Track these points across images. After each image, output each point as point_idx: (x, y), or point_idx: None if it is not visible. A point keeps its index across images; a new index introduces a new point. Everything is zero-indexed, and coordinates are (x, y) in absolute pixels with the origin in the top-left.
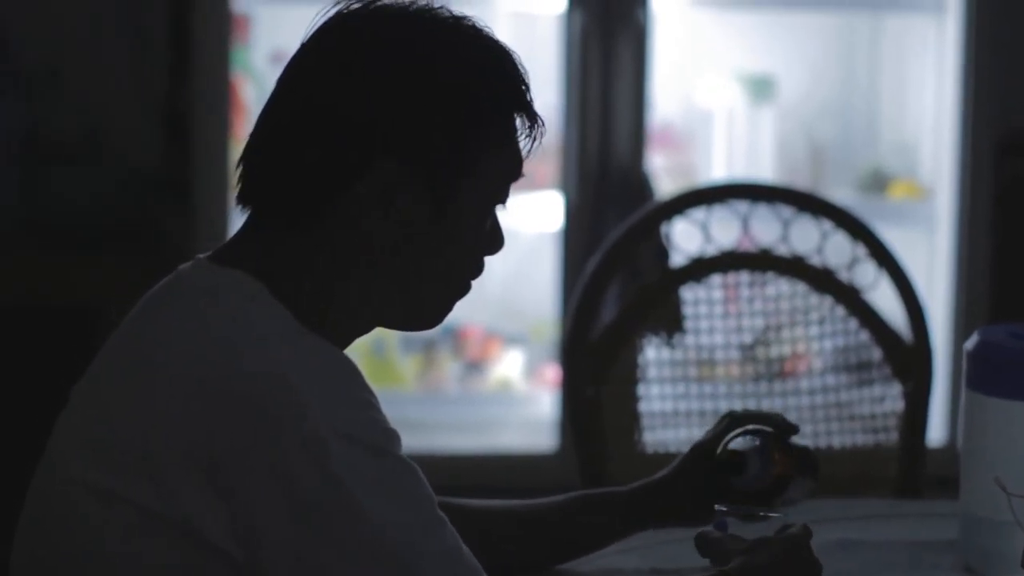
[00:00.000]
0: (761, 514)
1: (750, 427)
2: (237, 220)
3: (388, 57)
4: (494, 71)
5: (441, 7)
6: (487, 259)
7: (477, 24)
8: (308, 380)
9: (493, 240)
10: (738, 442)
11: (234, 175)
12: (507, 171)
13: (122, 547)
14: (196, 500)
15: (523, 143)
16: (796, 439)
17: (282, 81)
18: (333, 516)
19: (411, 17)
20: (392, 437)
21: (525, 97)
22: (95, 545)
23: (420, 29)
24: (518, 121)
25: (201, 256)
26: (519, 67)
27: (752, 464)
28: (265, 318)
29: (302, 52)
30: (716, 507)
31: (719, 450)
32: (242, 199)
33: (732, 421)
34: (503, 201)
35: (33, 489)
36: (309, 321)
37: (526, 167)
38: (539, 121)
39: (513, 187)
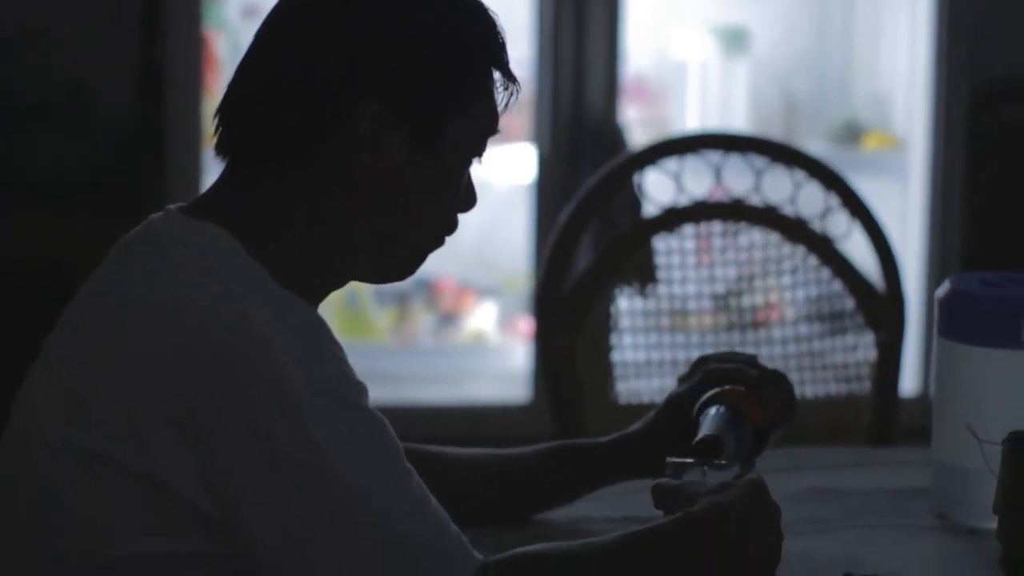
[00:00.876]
0: (716, 463)
1: (719, 391)
2: (212, 173)
3: (366, 2)
4: (472, 22)
5: None
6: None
7: None
8: (281, 335)
9: (466, 197)
10: (710, 419)
11: (210, 128)
12: (484, 123)
13: (94, 503)
14: (170, 456)
15: (499, 99)
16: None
17: (262, 28)
18: (304, 467)
19: None
20: (361, 390)
21: (502, 52)
22: (67, 501)
23: None
24: (496, 75)
25: (173, 207)
26: (497, 24)
27: (728, 443)
28: (238, 273)
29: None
30: (668, 459)
31: (695, 414)
32: (220, 149)
33: (705, 376)
34: (480, 154)
35: (4, 443)
36: (281, 276)
37: (501, 118)
38: (515, 79)
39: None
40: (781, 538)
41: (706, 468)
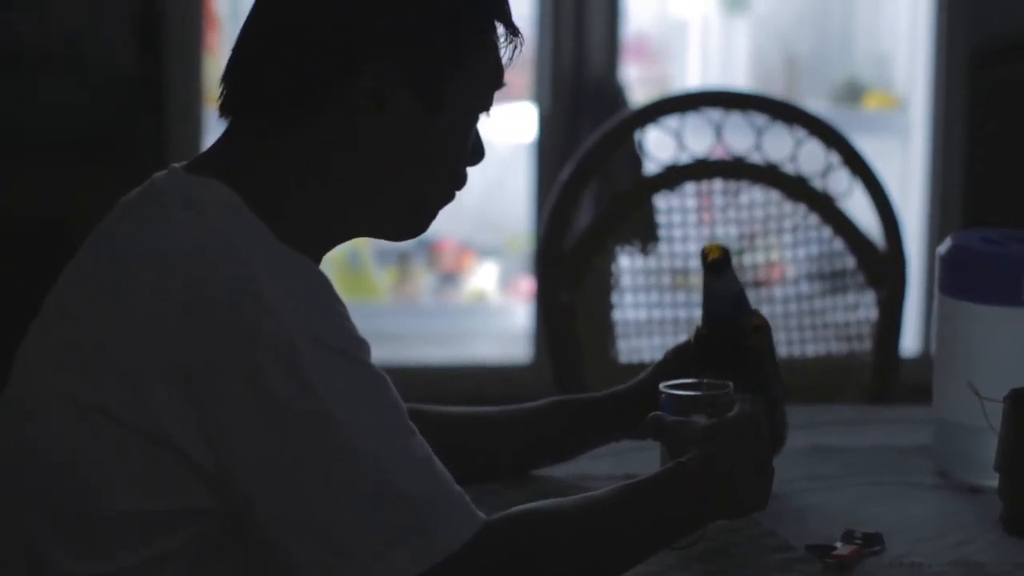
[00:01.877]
0: (706, 387)
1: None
2: (212, 130)
3: None
4: None
5: None
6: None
7: None
8: (282, 289)
9: (475, 151)
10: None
11: (211, 82)
12: (489, 78)
13: (94, 458)
14: (168, 407)
15: (502, 53)
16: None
17: None
18: (305, 421)
19: None
20: (363, 346)
21: (504, 4)
22: (67, 456)
23: None
24: (499, 29)
25: (176, 165)
26: None
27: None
28: (241, 228)
29: None
30: (661, 387)
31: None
32: (224, 109)
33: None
34: (486, 108)
35: (3, 399)
36: (284, 232)
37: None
38: (518, 32)
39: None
40: (772, 473)
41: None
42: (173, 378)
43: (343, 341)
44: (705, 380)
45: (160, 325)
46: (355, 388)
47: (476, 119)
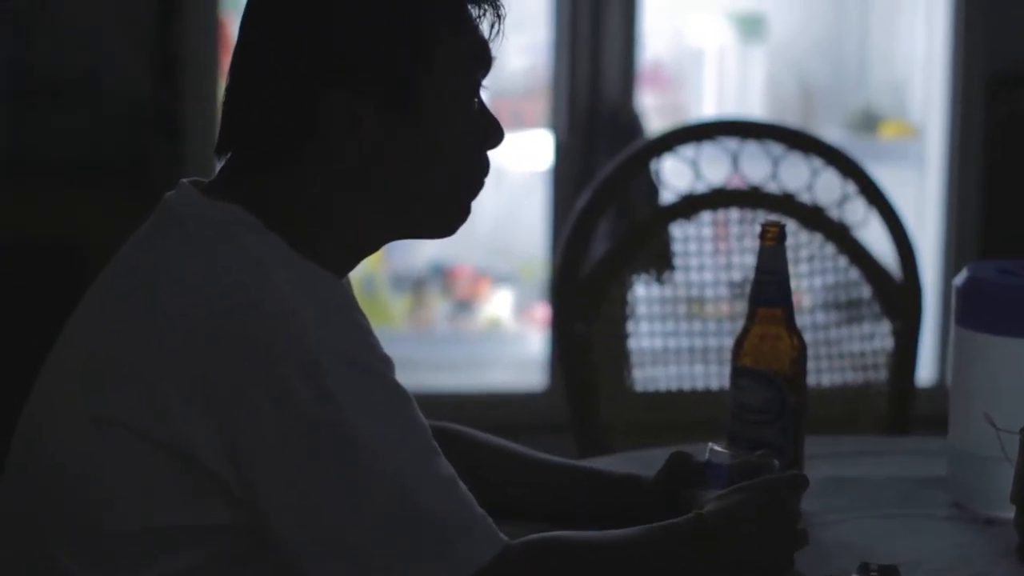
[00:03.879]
0: (755, 456)
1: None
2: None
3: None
4: None
5: None
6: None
7: None
8: (306, 306)
9: (489, 132)
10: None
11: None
12: (468, 61)
13: (116, 473)
14: (192, 427)
15: (484, 30)
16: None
17: (239, 28)
18: (328, 438)
19: None
20: (387, 362)
21: None
22: (88, 469)
23: None
24: (472, 10)
25: (185, 181)
26: None
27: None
28: (263, 246)
29: None
30: (710, 446)
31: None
32: (219, 149)
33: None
34: (475, 91)
35: (26, 417)
36: (306, 250)
37: (518, 105)
38: (492, 3)
39: (503, 125)
40: (796, 542)
41: (742, 457)
42: (196, 394)
43: (367, 357)
44: (754, 454)
45: (184, 341)
46: (379, 405)
47: (469, 104)
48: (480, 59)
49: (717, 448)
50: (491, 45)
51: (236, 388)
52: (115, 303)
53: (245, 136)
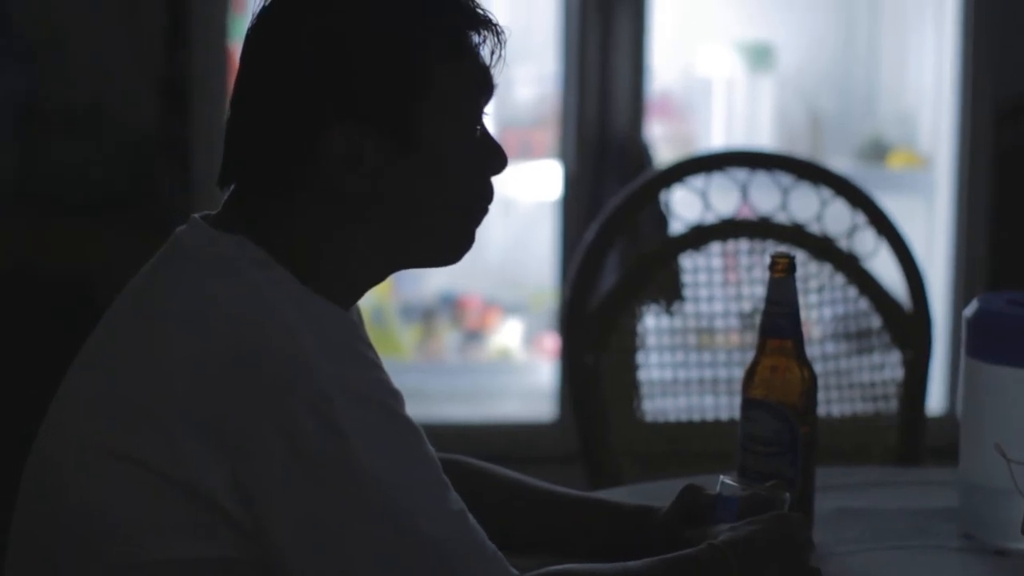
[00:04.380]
0: (766, 491)
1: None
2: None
3: (318, 16)
4: (404, 13)
5: None
6: (484, 227)
7: None
8: (316, 342)
9: (492, 158)
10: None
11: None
12: (470, 88)
13: (126, 506)
14: (203, 461)
15: (485, 55)
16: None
17: (240, 59)
18: (339, 471)
19: None
20: (397, 396)
21: (465, 12)
22: (100, 503)
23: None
24: (473, 37)
25: (196, 216)
26: None
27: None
28: (272, 281)
29: (251, 25)
30: (721, 478)
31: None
32: (221, 181)
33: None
34: (477, 118)
35: (36, 452)
36: (313, 283)
37: (527, 135)
38: (492, 29)
39: (506, 148)
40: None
41: (753, 490)
42: (206, 430)
43: (377, 392)
44: (765, 485)
45: (194, 378)
46: (390, 440)
47: (470, 131)
48: (481, 85)
49: (728, 481)
50: (492, 71)
51: (246, 424)
52: (126, 338)
53: (247, 168)
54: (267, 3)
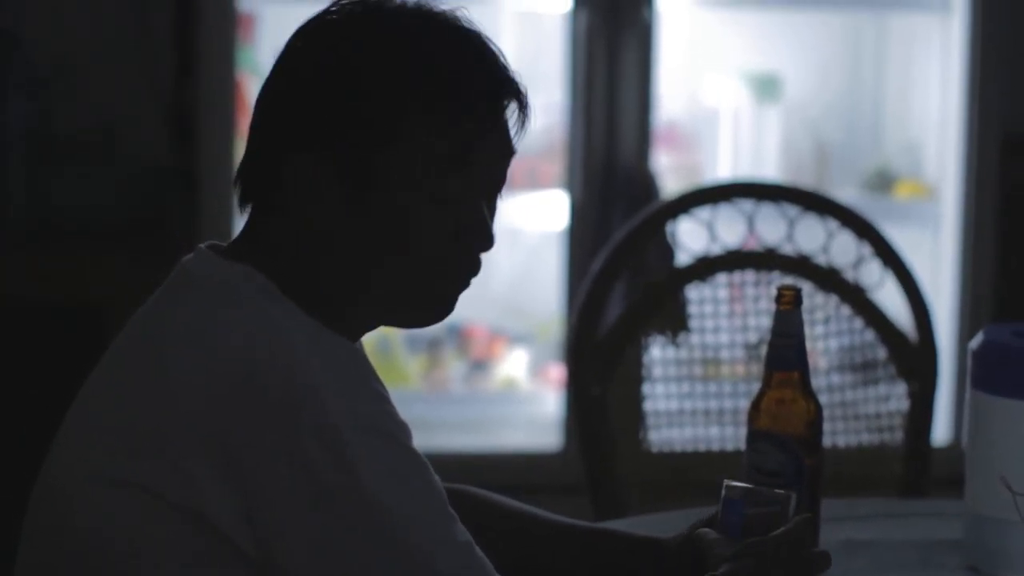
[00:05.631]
0: (771, 492)
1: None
2: (244, 218)
3: (298, 57)
4: (388, 60)
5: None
6: (490, 257)
7: (434, 14)
8: (323, 372)
9: (472, 235)
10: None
11: None
12: (442, 159)
13: (134, 536)
14: (212, 492)
15: (468, 134)
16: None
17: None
18: (346, 502)
19: (342, 23)
20: (404, 429)
21: (491, 76)
22: (107, 533)
23: (342, 30)
24: (462, 105)
25: (203, 246)
26: (435, 58)
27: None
28: (280, 313)
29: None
30: (726, 482)
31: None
32: (239, 201)
33: None
34: (436, 191)
35: (42, 480)
36: (320, 315)
37: (534, 164)
38: (517, 98)
39: (512, 178)
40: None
41: (758, 493)
42: (216, 460)
43: (385, 424)
44: (771, 489)
45: (201, 407)
46: (397, 472)
47: (441, 195)
48: (455, 160)
49: (733, 483)
50: (481, 143)
51: (253, 453)
52: (132, 367)
53: (241, 195)
54: (306, 25)
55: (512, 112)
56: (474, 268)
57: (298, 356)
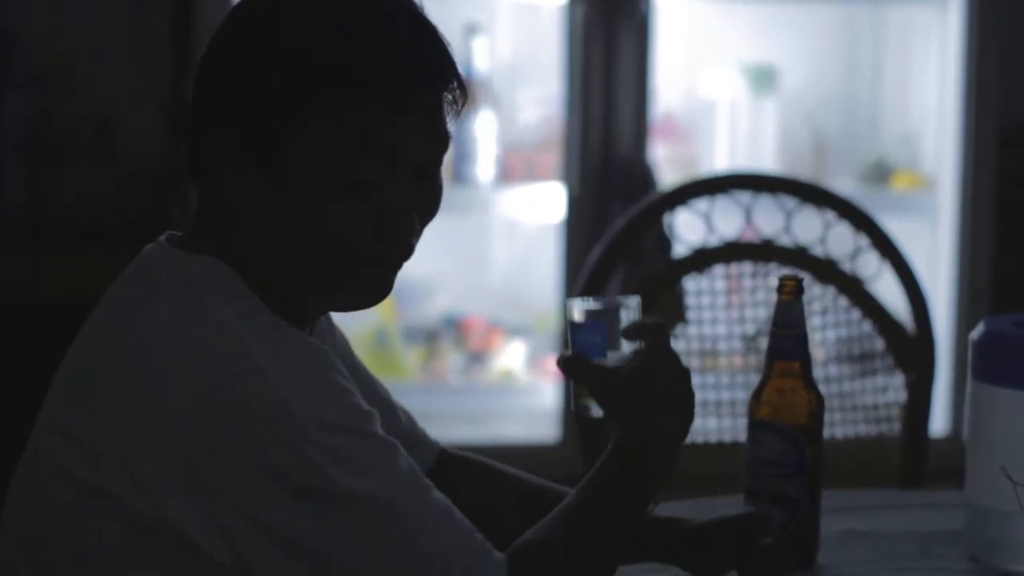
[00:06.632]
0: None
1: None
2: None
3: (222, 30)
4: (312, 37)
5: None
6: (488, 249)
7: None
8: (281, 372)
9: (395, 220)
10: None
11: None
12: (350, 142)
13: (97, 538)
14: (178, 503)
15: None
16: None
17: None
18: (320, 503)
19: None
20: (368, 416)
21: (354, 64)
22: (76, 538)
23: (265, 4)
24: (367, 92)
25: (162, 238)
26: (355, 35)
27: None
28: (238, 311)
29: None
30: (566, 302)
31: None
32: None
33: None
34: (348, 175)
35: (14, 481)
36: (276, 303)
37: (531, 157)
38: (450, 84)
39: (510, 169)
40: (690, 397)
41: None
42: (180, 469)
43: (347, 417)
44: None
45: (167, 417)
46: (365, 460)
47: (351, 184)
48: (367, 144)
49: (578, 301)
50: (394, 127)
51: (220, 464)
52: (99, 370)
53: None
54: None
55: (446, 95)
56: (403, 253)
57: (254, 359)
